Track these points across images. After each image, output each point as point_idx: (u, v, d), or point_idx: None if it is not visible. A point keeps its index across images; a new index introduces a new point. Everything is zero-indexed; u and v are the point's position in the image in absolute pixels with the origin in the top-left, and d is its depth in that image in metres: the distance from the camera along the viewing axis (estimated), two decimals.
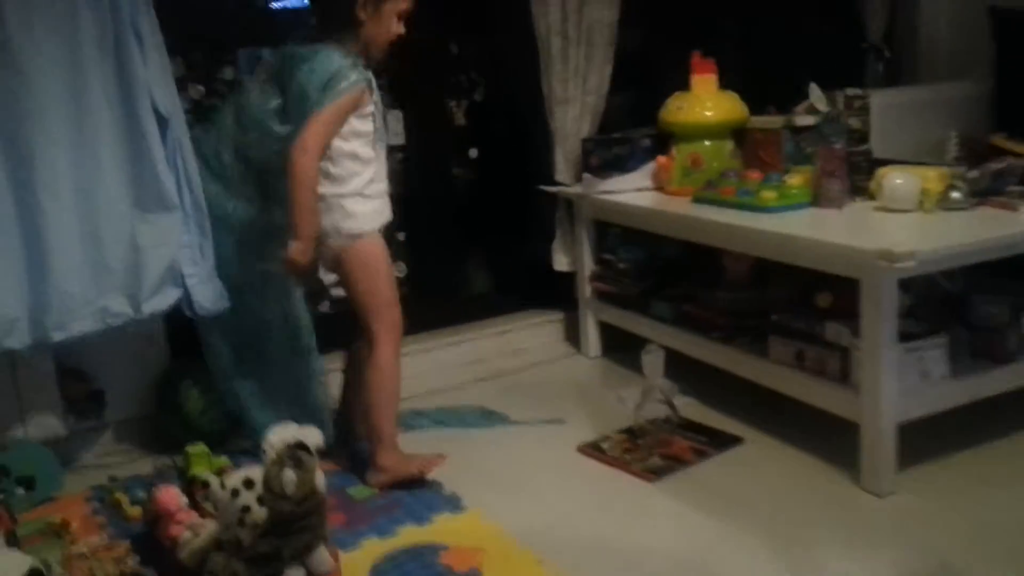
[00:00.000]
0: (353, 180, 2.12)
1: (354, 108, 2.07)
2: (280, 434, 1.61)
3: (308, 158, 2.02)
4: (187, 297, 2.26)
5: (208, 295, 2.29)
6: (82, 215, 2.09)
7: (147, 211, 2.16)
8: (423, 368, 2.86)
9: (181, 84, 2.56)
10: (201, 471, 1.91)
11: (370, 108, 2.11)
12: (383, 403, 2.18)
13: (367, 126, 2.12)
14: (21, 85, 2.00)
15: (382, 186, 2.19)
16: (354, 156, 2.11)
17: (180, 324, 2.36)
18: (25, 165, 2.02)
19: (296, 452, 1.57)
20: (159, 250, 2.18)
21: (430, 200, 2.69)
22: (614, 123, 3.06)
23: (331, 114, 2.03)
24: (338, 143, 2.08)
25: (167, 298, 2.22)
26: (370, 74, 2.11)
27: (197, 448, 2.00)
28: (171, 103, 2.17)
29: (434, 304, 2.74)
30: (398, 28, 2.12)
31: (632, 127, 3.01)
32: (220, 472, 1.83)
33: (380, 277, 2.18)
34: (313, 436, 1.64)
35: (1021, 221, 2.22)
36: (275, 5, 3.00)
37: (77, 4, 2.03)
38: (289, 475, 1.55)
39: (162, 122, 2.15)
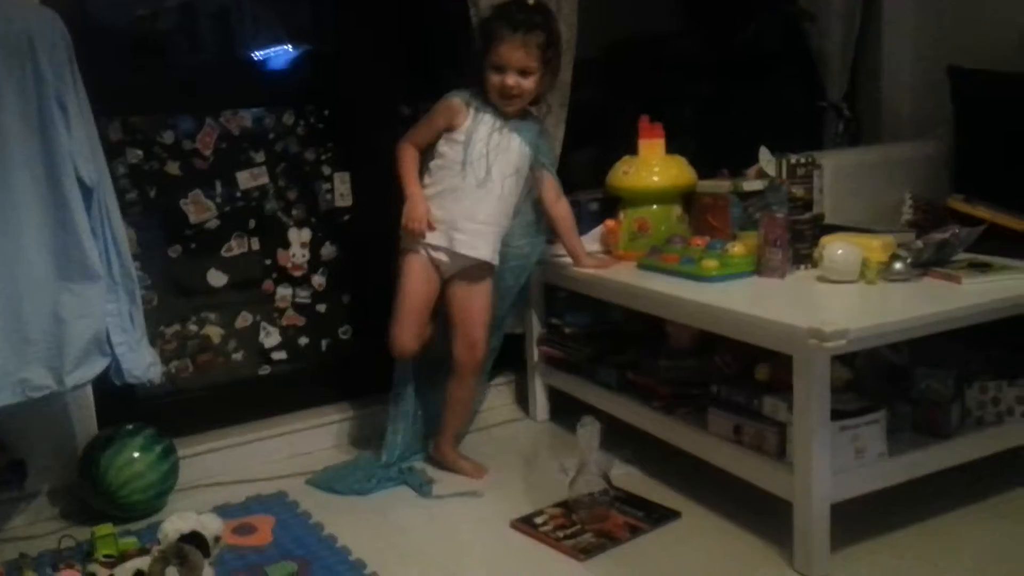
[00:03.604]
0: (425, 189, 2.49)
1: (445, 121, 2.46)
2: (175, 524, 1.56)
3: (399, 143, 2.52)
4: (116, 365, 2.22)
5: (139, 363, 2.25)
6: (1, 286, 2.05)
7: (71, 281, 2.11)
8: (369, 430, 2.83)
9: (119, 148, 2.56)
10: (105, 554, 1.86)
11: (459, 135, 2.44)
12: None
13: (451, 150, 2.46)
14: None
15: (447, 215, 2.46)
16: (429, 170, 2.49)
17: (108, 391, 2.32)
18: None
19: (183, 548, 1.52)
20: (83, 320, 2.13)
21: (378, 262, 2.67)
22: (573, 182, 3.03)
23: (424, 118, 2.52)
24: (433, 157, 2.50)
25: (92, 368, 2.18)
26: (484, 111, 2.45)
27: (103, 529, 1.95)
28: (97, 172, 2.14)
29: (380, 364, 2.70)
30: (499, 79, 2.41)
31: (592, 187, 2.99)
32: (124, 556, 1.78)
33: (401, 291, 2.50)
34: (212, 525, 1.60)
35: (963, 294, 2.19)
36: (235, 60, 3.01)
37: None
38: (172, 573, 1.50)
39: (87, 191, 2.13)
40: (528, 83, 2.44)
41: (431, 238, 2.47)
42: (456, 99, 2.47)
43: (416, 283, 2.50)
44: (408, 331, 2.50)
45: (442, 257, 2.49)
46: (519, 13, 2.45)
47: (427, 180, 2.50)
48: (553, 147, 2.78)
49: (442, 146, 2.48)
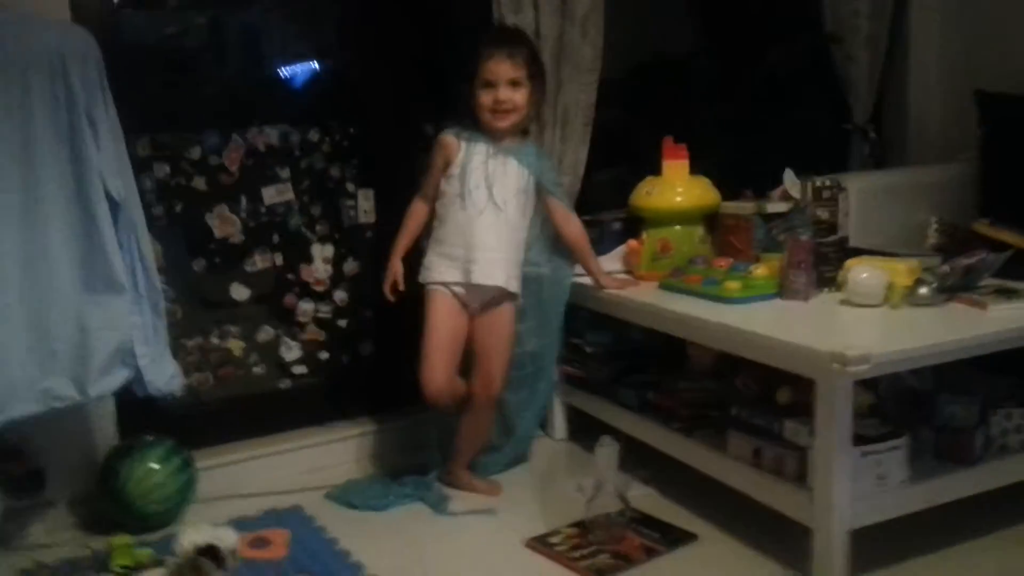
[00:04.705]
0: (432, 232, 2.52)
1: (442, 159, 2.49)
2: (191, 536, 1.57)
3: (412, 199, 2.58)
4: (139, 377, 2.24)
5: (161, 374, 2.26)
6: (28, 297, 2.07)
7: (96, 293, 2.14)
8: (388, 447, 2.84)
9: (147, 164, 2.60)
10: (121, 564, 1.87)
11: (455, 169, 2.46)
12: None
13: (449, 186, 2.48)
14: None
15: (459, 250, 2.46)
16: (436, 213, 2.51)
17: (129, 401, 2.34)
18: None
19: (198, 561, 1.53)
20: (107, 332, 2.15)
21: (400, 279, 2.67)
22: (597, 203, 3.03)
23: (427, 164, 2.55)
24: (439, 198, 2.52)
25: (115, 379, 2.19)
26: (476, 140, 2.47)
27: (120, 539, 1.96)
28: (124, 187, 2.16)
29: (401, 380, 2.70)
30: (490, 96, 2.44)
31: (615, 207, 2.99)
32: (139, 567, 1.79)
33: (427, 330, 2.46)
34: (228, 538, 1.60)
35: (989, 320, 2.17)
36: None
37: (32, 94, 2.04)
38: None
39: (115, 206, 2.15)
40: (519, 96, 2.46)
41: (449, 275, 2.47)
42: (447, 135, 2.51)
43: (440, 320, 2.47)
44: (437, 369, 2.45)
45: (462, 291, 2.49)
46: (502, 32, 2.59)
47: (435, 223, 2.52)
48: (559, 168, 2.78)
49: (443, 185, 2.50)
